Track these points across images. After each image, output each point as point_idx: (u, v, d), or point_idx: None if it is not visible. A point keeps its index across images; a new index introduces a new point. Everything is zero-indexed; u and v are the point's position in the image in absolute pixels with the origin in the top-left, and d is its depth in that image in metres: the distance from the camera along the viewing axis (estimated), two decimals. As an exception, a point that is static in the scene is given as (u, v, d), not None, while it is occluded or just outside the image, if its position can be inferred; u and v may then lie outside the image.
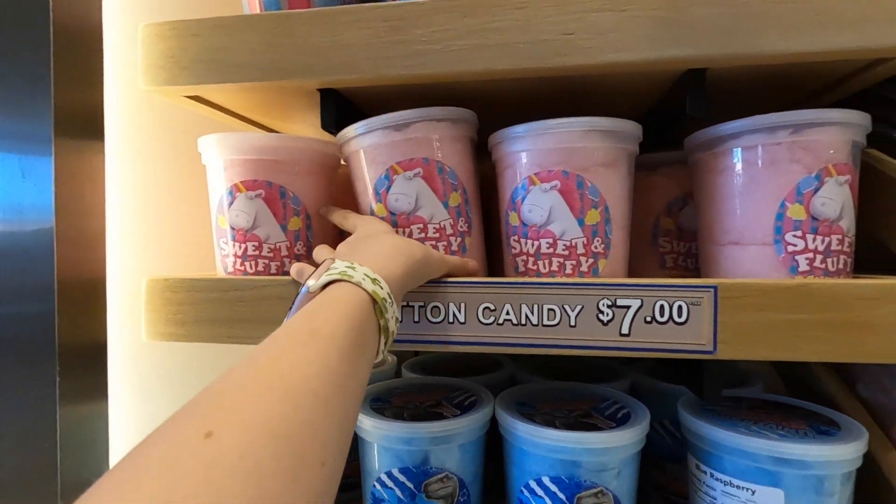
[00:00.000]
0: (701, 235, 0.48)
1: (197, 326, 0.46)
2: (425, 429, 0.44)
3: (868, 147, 0.51)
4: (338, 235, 0.58)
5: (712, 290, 0.38)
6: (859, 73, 0.44)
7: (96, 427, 0.51)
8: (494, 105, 0.52)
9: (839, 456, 0.39)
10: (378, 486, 0.46)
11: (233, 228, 0.47)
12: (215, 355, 0.67)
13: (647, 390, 0.57)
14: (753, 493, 0.41)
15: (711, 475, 0.43)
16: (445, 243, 0.46)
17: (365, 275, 0.33)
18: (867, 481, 0.47)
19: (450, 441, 0.45)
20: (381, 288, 0.32)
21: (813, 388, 0.58)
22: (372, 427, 0.46)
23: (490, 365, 0.65)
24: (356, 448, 0.49)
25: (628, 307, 0.39)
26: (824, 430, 0.43)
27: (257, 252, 0.47)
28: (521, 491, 0.45)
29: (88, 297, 0.50)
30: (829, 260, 0.41)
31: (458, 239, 0.46)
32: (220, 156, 0.47)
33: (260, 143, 0.46)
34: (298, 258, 0.48)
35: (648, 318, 0.39)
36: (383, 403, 0.50)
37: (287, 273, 0.47)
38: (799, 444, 0.40)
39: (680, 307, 0.39)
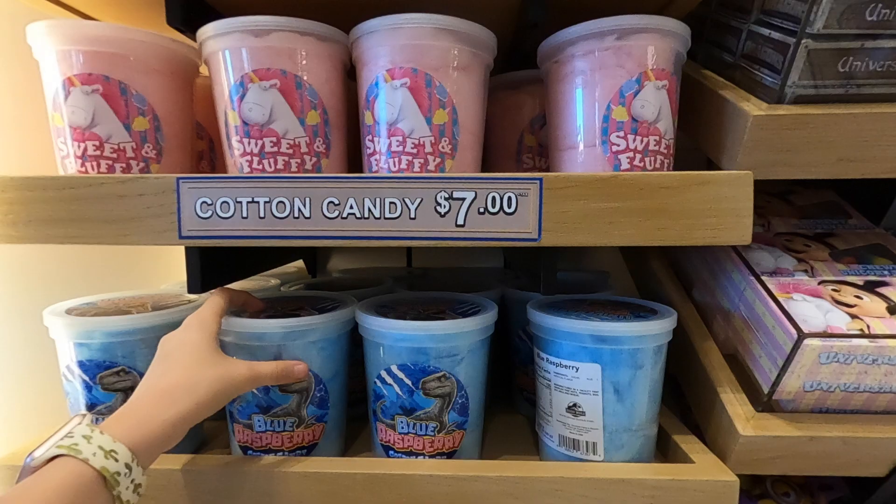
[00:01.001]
0: (549, 144, 0.51)
1: (31, 227, 0.43)
2: (277, 325, 0.45)
3: (704, 69, 0.55)
4: (193, 139, 0.56)
5: (538, 181, 0.41)
6: (684, -11, 0.48)
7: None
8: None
9: (647, 332, 0.45)
10: (235, 385, 0.47)
11: (70, 126, 0.45)
12: (55, 257, 0.64)
13: (514, 300, 0.61)
14: (578, 369, 0.46)
15: (547, 360, 0.48)
16: (299, 161, 0.46)
17: (99, 447, 0.32)
18: (688, 365, 0.54)
19: (303, 337, 0.46)
20: (117, 460, 0.32)
21: (659, 295, 0.64)
22: (227, 327, 0.46)
23: (372, 283, 0.67)
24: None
25: (464, 199, 0.42)
26: (642, 315, 0.48)
27: (99, 152, 0.45)
28: (375, 382, 0.47)
29: None
30: (647, 159, 0.45)
31: (313, 159, 0.46)
32: (52, 46, 0.44)
33: (95, 33, 0.44)
34: (147, 161, 0.47)
35: (482, 210, 0.42)
36: (244, 312, 0.50)
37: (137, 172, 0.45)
38: (615, 324, 0.45)
39: (510, 198, 0.41)
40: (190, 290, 0.47)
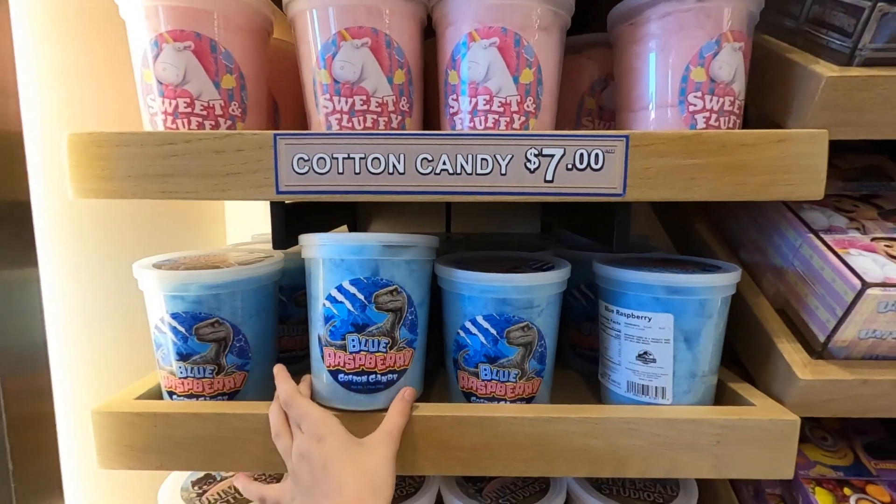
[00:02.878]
0: (618, 106, 0.52)
1: (127, 182, 0.44)
2: (374, 238, 0.45)
3: (763, 34, 0.57)
4: (272, 102, 0.57)
5: (624, 139, 0.43)
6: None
7: (28, 294, 0.49)
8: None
9: (717, 283, 0.47)
10: (328, 304, 0.46)
11: (160, 83, 0.45)
12: (149, 214, 0.66)
13: (567, 259, 0.63)
14: (650, 319, 0.48)
15: (617, 311, 0.50)
16: (386, 119, 0.47)
17: None
18: (740, 319, 0.57)
19: (399, 254, 0.46)
20: None
21: (706, 257, 0.67)
22: (318, 242, 0.46)
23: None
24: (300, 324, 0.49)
25: (552, 156, 0.43)
26: (708, 269, 0.51)
27: (189, 109, 0.46)
28: (458, 333, 0.50)
29: (4, 153, 0.46)
30: (721, 119, 0.47)
31: (399, 117, 0.48)
32: (142, 2, 0.44)
33: (185, -10, 0.44)
34: (234, 119, 0.48)
35: (570, 166, 0.44)
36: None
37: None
38: (687, 276, 0.47)
39: (597, 155, 0.43)
40: (275, 246, 0.49)
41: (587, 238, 0.60)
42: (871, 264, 0.48)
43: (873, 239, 0.52)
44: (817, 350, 0.50)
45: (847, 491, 0.55)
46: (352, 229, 0.86)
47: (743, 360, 0.58)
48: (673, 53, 0.46)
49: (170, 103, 0.46)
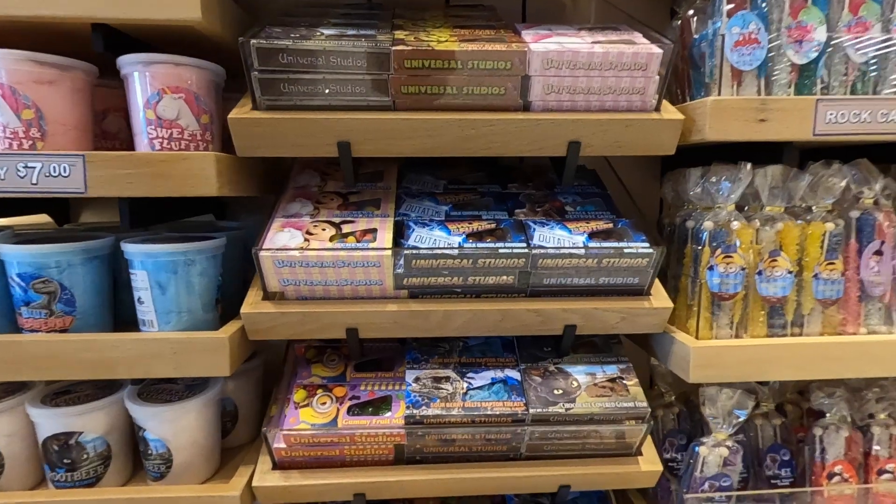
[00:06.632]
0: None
1: None
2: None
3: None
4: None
5: (82, 157, 0.67)
6: (205, 32, 0.73)
7: None
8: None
9: (174, 249, 0.72)
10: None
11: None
12: None
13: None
14: (137, 275, 0.73)
15: (131, 272, 0.75)
16: (195, 145, 0.73)
17: None
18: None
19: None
20: None
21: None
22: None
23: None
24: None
25: (35, 167, 0.67)
26: (191, 240, 0.76)
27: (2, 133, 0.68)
28: (9, 283, 0.73)
29: None
30: (173, 143, 0.71)
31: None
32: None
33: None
34: (34, 140, 0.69)
35: (48, 174, 0.67)
36: None
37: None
38: (153, 245, 0.72)
39: (65, 167, 0.67)
40: None
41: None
42: (286, 237, 0.74)
43: (313, 221, 0.78)
44: (266, 294, 0.76)
45: (320, 391, 0.81)
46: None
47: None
48: (139, 98, 0.71)
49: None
